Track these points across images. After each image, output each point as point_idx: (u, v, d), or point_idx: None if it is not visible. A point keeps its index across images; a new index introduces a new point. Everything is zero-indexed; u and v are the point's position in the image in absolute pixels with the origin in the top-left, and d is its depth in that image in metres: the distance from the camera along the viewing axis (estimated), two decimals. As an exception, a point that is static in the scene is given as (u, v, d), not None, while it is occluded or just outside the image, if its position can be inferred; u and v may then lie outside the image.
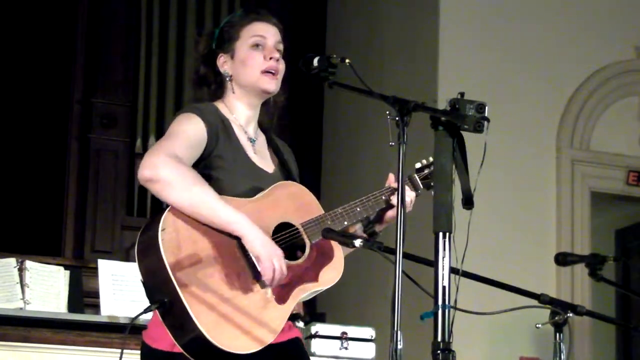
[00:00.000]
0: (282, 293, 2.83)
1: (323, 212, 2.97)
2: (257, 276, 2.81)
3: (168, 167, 2.77)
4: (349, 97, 7.25)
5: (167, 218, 2.77)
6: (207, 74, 3.07)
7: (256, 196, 2.90)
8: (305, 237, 2.91)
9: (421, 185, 3.08)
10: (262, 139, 3.11)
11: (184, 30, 8.18)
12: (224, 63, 3.05)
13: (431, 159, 2.98)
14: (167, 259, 2.71)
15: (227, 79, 3.05)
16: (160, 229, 2.73)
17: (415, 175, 3.08)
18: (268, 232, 2.86)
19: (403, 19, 7.30)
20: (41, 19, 7.78)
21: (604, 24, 6.95)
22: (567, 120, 6.83)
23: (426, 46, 6.86)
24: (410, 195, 3.04)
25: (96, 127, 7.71)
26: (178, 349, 2.76)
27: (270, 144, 3.13)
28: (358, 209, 2.99)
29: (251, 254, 2.79)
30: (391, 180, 3.06)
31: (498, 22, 6.81)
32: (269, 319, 2.79)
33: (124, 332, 3.04)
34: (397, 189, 2.53)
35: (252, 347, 2.74)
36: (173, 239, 2.74)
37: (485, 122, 2.51)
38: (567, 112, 6.84)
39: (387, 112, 2.60)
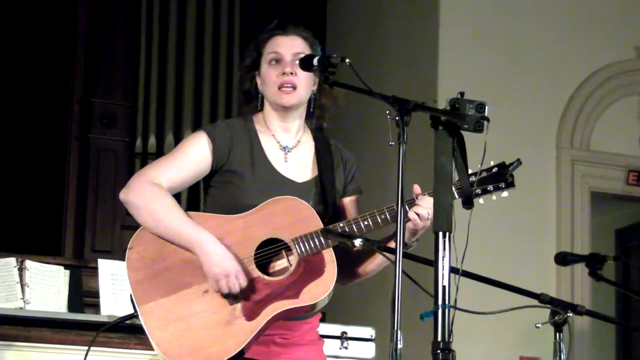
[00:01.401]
0: (253, 309, 2.83)
1: (322, 226, 2.94)
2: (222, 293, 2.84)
3: (138, 191, 2.91)
4: (349, 97, 7.24)
5: (136, 237, 2.90)
6: (250, 90, 3.15)
7: (248, 211, 2.92)
8: (294, 252, 2.89)
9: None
10: (305, 146, 3.12)
11: (184, 31, 8.18)
12: (259, 81, 3.12)
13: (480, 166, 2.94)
14: (130, 276, 2.85)
15: (260, 94, 3.12)
16: (128, 247, 2.87)
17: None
18: (251, 247, 2.88)
19: (403, 19, 7.30)
20: (41, 19, 7.77)
21: (604, 24, 6.95)
22: (567, 120, 6.83)
23: (426, 46, 6.86)
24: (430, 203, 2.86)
25: (96, 127, 7.71)
26: None
27: (318, 150, 3.13)
28: (366, 223, 2.95)
29: None
30: (416, 191, 3.00)
31: (498, 22, 6.80)
32: (231, 336, 2.80)
33: (97, 332, 3.16)
34: (399, 189, 2.53)
35: None
36: (138, 258, 2.86)
37: (485, 122, 2.51)
38: (567, 112, 6.84)
39: (387, 112, 2.60)
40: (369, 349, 4.66)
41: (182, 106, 8.06)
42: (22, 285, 4.29)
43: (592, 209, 6.83)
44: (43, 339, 4.10)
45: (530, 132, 6.72)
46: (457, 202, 2.52)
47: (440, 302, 2.44)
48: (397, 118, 2.56)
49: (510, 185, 2.99)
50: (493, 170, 2.98)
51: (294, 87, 3.04)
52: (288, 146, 3.08)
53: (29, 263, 4.35)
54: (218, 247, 2.84)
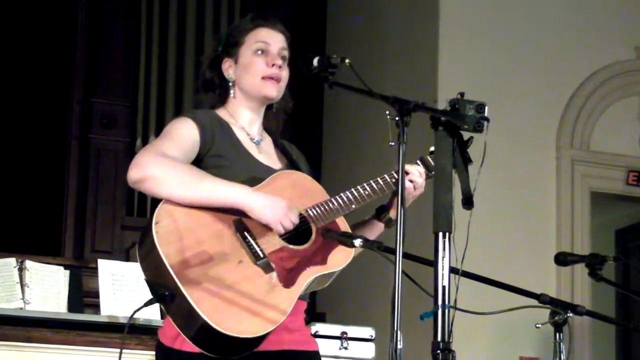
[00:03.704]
0: (288, 277, 2.82)
1: (328, 197, 2.96)
2: (258, 262, 2.81)
3: (155, 163, 2.81)
4: (349, 97, 7.25)
5: (160, 211, 2.78)
6: (212, 79, 3.10)
7: (257, 185, 2.90)
8: (310, 221, 2.91)
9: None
10: (268, 141, 3.13)
11: (184, 30, 8.19)
12: (228, 67, 3.08)
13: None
14: (163, 251, 2.71)
15: (230, 83, 3.07)
16: (154, 222, 2.74)
17: (429, 157, 3.06)
18: None
19: (403, 19, 7.30)
20: (41, 19, 7.78)
21: (604, 24, 6.96)
22: (567, 120, 6.83)
23: (426, 46, 6.87)
24: (422, 172, 3.02)
25: (96, 127, 7.72)
26: (177, 344, 2.78)
27: (278, 146, 3.15)
28: (367, 191, 2.98)
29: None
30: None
31: (498, 22, 6.81)
32: (277, 302, 2.77)
33: (124, 330, 3.04)
34: (398, 188, 2.53)
35: (262, 329, 2.72)
36: (167, 231, 2.75)
37: (485, 122, 2.51)
38: (567, 112, 6.84)
39: (387, 112, 2.60)
40: (369, 349, 4.66)
41: (182, 106, 8.06)
42: (22, 286, 4.29)
43: (592, 209, 6.83)
44: (43, 339, 4.10)
45: (530, 132, 6.73)
46: (457, 203, 2.52)
47: (440, 302, 2.44)
48: (397, 118, 2.56)
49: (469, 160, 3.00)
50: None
51: (278, 81, 3.03)
52: (256, 139, 3.08)
53: (29, 263, 4.35)
54: (262, 193, 2.83)
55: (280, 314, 2.76)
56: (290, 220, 2.82)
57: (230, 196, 2.80)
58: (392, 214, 3.07)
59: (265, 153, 3.07)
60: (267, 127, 3.15)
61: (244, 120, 3.07)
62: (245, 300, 2.74)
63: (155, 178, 2.79)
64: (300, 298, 2.92)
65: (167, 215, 2.78)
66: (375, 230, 3.10)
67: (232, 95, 3.07)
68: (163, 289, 2.72)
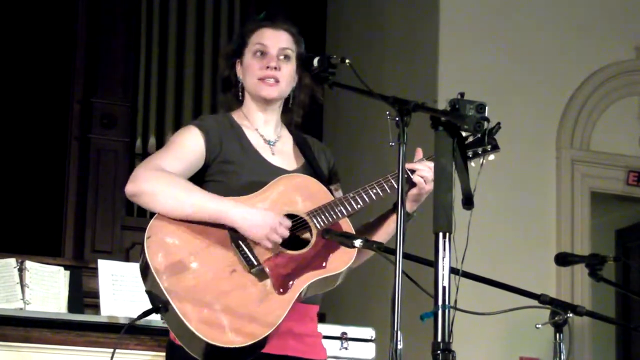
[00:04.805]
0: (284, 283, 2.82)
1: (333, 199, 2.96)
2: (252, 270, 2.81)
3: (149, 178, 2.85)
4: (349, 97, 7.25)
5: (152, 225, 2.83)
6: (230, 78, 3.13)
7: (259, 191, 2.91)
8: (312, 225, 2.91)
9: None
10: (286, 139, 3.14)
11: (184, 30, 8.19)
12: (239, 69, 3.11)
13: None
14: (153, 264, 2.77)
15: (240, 84, 3.10)
16: (145, 237, 2.81)
17: None
18: None
19: (403, 19, 7.30)
20: (41, 19, 7.78)
21: (604, 24, 6.96)
22: (567, 120, 6.83)
23: (426, 46, 6.87)
24: (430, 167, 2.99)
25: (96, 127, 7.71)
26: (178, 341, 2.82)
27: (298, 142, 3.14)
28: (374, 191, 2.99)
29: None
30: (419, 156, 3.05)
31: (498, 22, 6.81)
32: (266, 312, 2.78)
33: (121, 331, 3.08)
34: (399, 187, 2.53)
35: (242, 342, 2.74)
36: (158, 245, 2.80)
37: (485, 122, 2.51)
38: (567, 112, 6.84)
39: (387, 113, 2.60)
40: (369, 350, 4.66)
41: (182, 106, 8.07)
42: (22, 286, 4.28)
43: (592, 209, 6.83)
44: (43, 339, 4.09)
45: (530, 132, 6.73)
46: (457, 203, 2.52)
47: (440, 302, 2.44)
48: (397, 118, 2.56)
49: (495, 147, 3.01)
50: (477, 135, 2.98)
51: (277, 81, 3.04)
52: (271, 140, 3.09)
53: (29, 264, 4.35)
54: (249, 208, 2.84)
55: (267, 326, 2.77)
56: (277, 234, 2.82)
57: (217, 212, 2.83)
58: (409, 207, 3.04)
59: (281, 153, 3.08)
60: (286, 122, 3.17)
61: (258, 121, 3.09)
62: (237, 310, 2.77)
63: (148, 193, 2.85)
64: (310, 302, 2.93)
65: (159, 228, 2.83)
66: (393, 225, 3.07)
67: (240, 96, 3.10)
68: (157, 300, 2.78)
